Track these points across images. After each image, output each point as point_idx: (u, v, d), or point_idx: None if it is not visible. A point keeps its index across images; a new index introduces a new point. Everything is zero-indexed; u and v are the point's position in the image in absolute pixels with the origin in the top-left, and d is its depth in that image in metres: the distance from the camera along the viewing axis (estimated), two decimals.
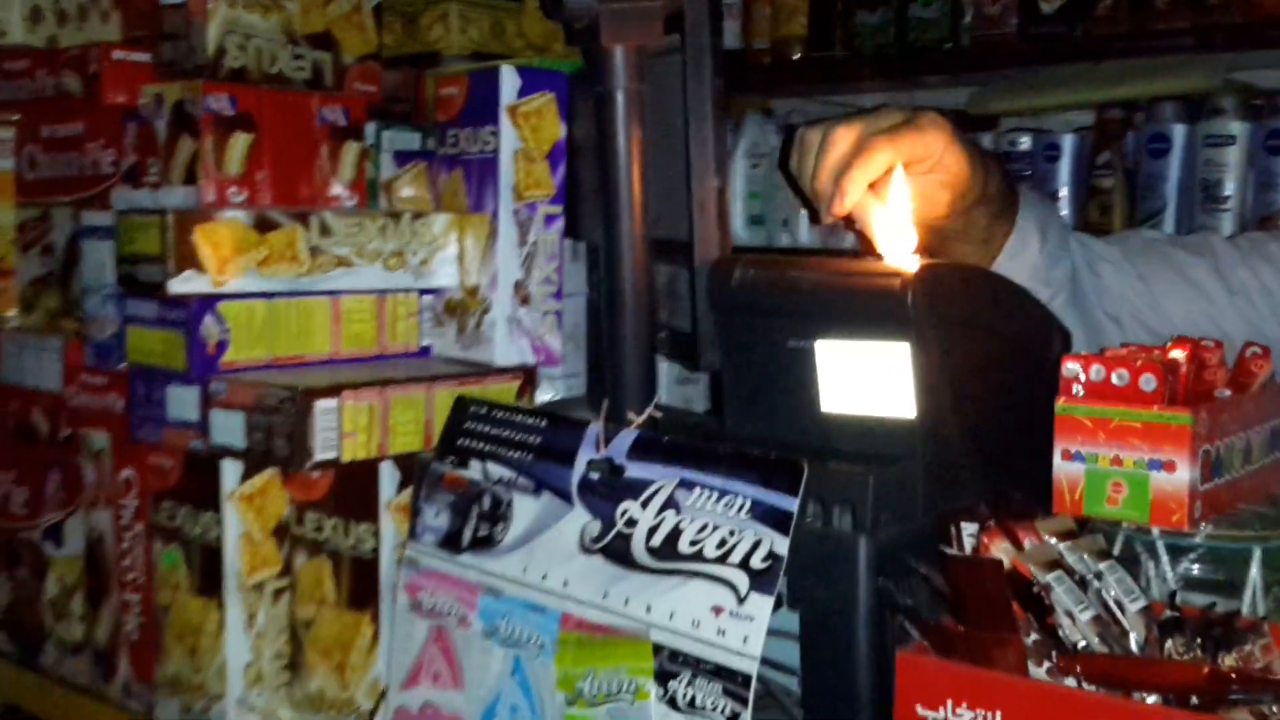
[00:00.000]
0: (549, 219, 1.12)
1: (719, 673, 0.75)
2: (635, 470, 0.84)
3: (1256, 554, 0.79)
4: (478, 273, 1.13)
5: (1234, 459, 0.81)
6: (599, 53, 0.83)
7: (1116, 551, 0.83)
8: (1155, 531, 0.81)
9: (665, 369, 1.20)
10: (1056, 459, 0.80)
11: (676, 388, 1.27)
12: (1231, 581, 0.82)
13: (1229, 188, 1.92)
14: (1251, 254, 1.15)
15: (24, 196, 1.27)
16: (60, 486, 1.21)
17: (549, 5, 0.86)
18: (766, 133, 2.57)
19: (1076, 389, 0.79)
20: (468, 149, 1.13)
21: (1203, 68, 1.93)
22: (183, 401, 1.04)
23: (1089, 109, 2.14)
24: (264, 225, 1.05)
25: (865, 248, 0.93)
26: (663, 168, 0.89)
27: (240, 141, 1.12)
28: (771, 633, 0.78)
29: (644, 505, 0.82)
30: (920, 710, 0.70)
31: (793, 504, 0.76)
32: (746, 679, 0.74)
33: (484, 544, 0.90)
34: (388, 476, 1.02)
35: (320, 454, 0.98)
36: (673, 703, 0.77)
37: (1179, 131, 1.98)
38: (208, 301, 1.03)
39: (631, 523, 0.83)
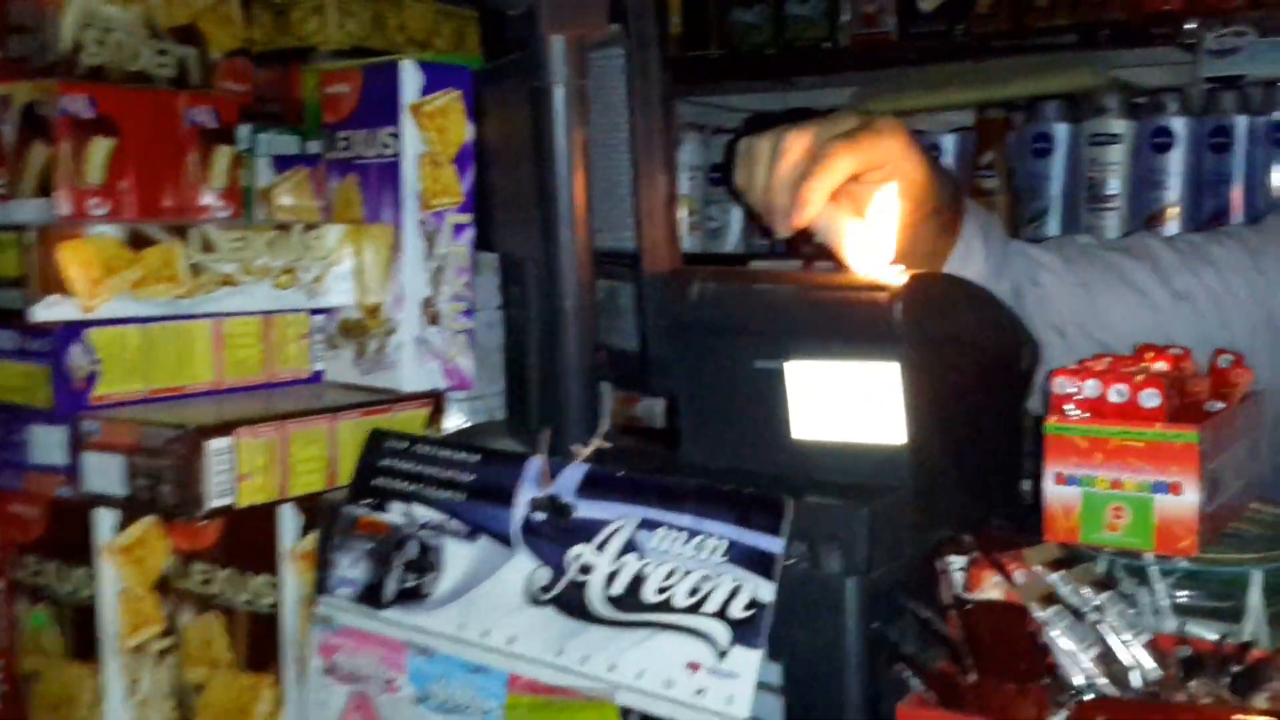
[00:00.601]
0: (458, 229, 1.02)
1: None
2: (586, 509, 0.75)
3: (1257, 577, 0.74)
4: (379, 290, 1.02)
5: (1227, 476, 0.76)
6: (537, 43, 0.74)
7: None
8: (1147, 557, 0.76)
9: None
10: (1048, 483, 0.74)
11: None
12: (1220, 608, 0.77)
13: (1113, 186, 1.92)
14: (1192, 256, 1.12)
15: None
16: None
17: None
18: None
19: (1069, 407, 0.73)
20: (363, 153, 1.02)
21: (1085, 66, 1.94)
22: (48, 443, 0.92)
23: (970, 109, 2.13)
24: (138, 241, 0.93)
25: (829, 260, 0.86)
26: (603, 171, 0.81)
27: (101, 147, 1.01)
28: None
29: (599, 549, 0.74)
30: None
31: (777, 544, 0.68)
32: None
33: (411, 597, 0.80)
34: (288, 521, 0.91)
35: (214, 501, 0.87)
36: None
37: (1062, 131, 1.98)
38: (75, 329, 0.90)
39: (586, 569, 0.74)
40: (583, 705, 0.72)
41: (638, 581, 0.72)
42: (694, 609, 0.69)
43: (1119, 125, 1.91)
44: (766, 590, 0.68)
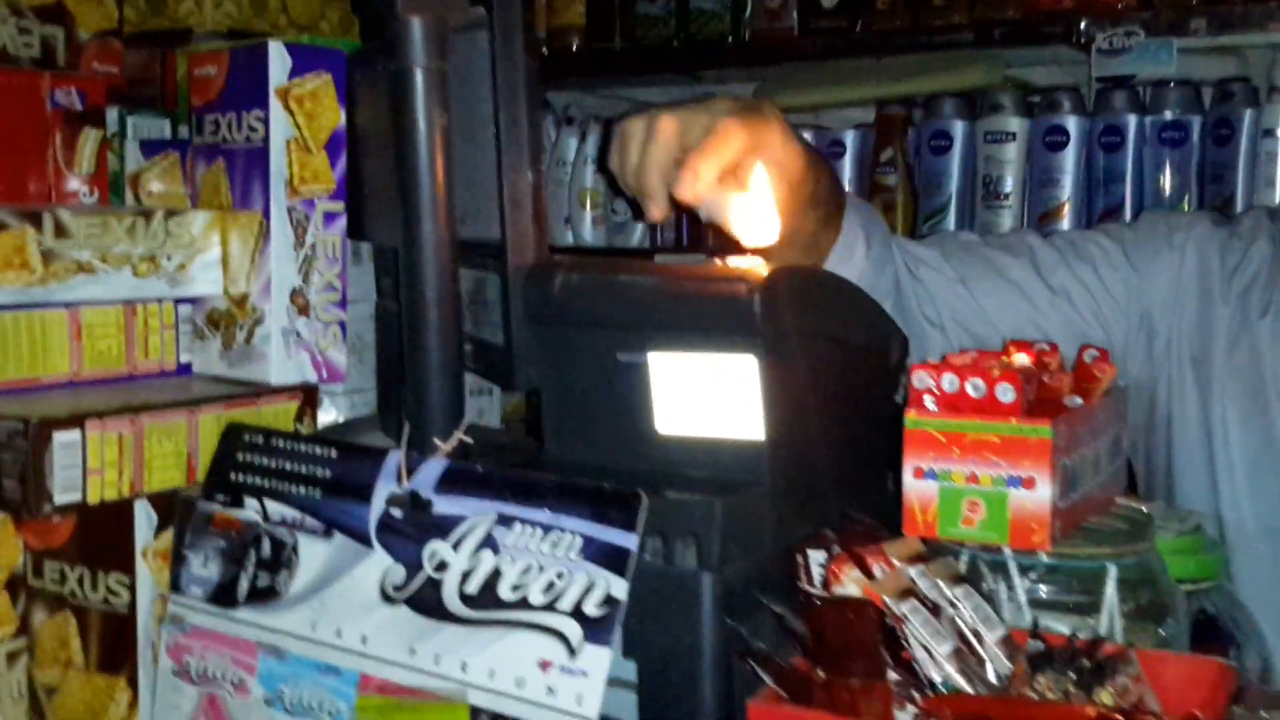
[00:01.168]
0: (329, 217, 1.00)
1: None
2: (444, 505, 0.73)
3: (1112, 571, 0.75)
4: (246, 279, 0.99)
5: (1086, 472, 0.77)
6: (395, 24, 0.71)
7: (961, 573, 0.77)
8: (1006, 551, 0.76)
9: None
10: (907, 477, 0.74)
11: (470, 399, 1.16)
12: (1080, 603, 0.78)
13: (1009, 184, 1.94)
14: (1070, 253, 1.13)
15: None
16: None
17: None
18: (545, 127, 2.47)
19: (928, 401, 0.73)
20: (230, 137, 0.99)
21: (981, 64, 1.95)
22: None
23: (871, 106, 2.14)
24: None
25: (717, 240, 0.85)
26: (468, 160, 0.79)
27: None
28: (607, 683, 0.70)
29: (456, 546, 0.72)
30: None
31: (631, 540, 0.67)
32: None
33: (264, 596, 0.78)
34: (143, 518, 0.88)
35: (61, 496, 0.83)
36: None
37: (959, 128, 2.00)
38: None
39: (442, 567, 0.72)
40: (433, 706, 0.70)
41: (493, 579, 0.70)
42: (548, 607, 0.68)
43: (1014, 123, 1.93)
44: (620, 587, 0.66)
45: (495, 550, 0.71)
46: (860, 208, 1.08)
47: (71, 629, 0.90)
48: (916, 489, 0.73)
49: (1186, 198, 1.84)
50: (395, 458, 0.76)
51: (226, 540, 0.80)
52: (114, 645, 0.89)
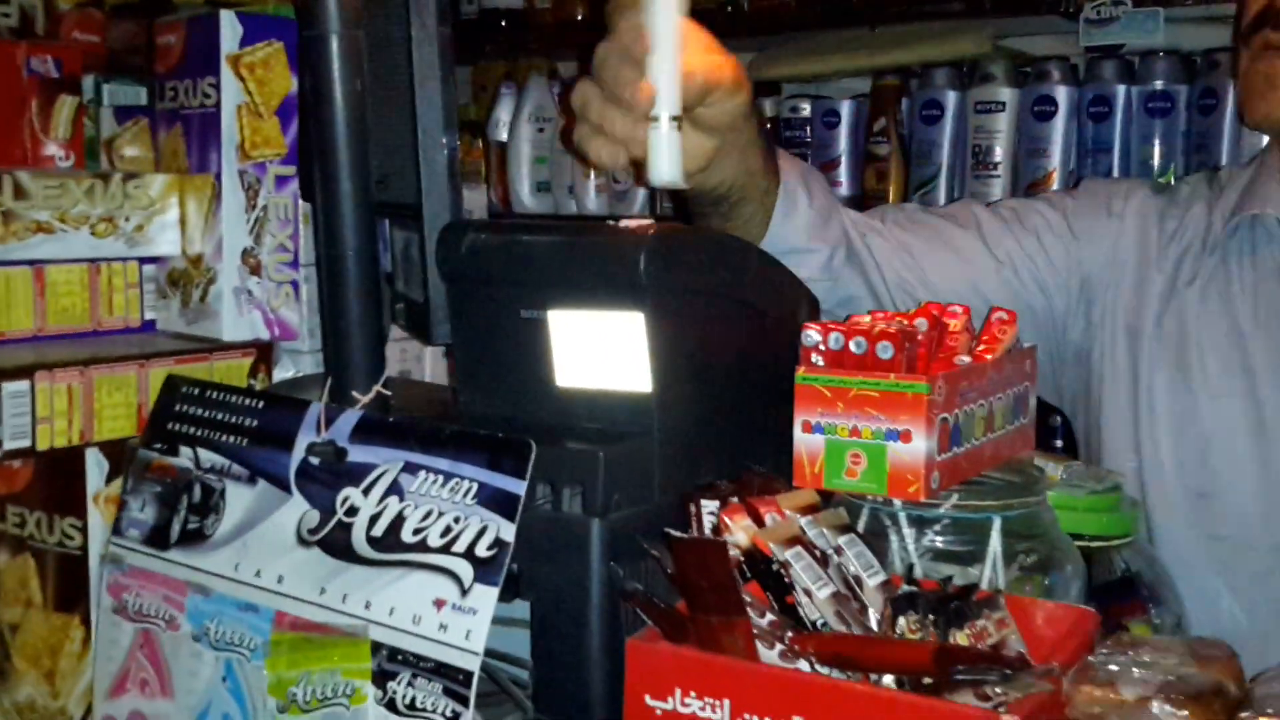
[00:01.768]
0: (281, 180, 1.04)
1: (440, 671, 0.70)
2: (358, 454, 0.77)
3: (997, 523, 0.78)
4: (201, 240, 1.03)
5: (975, 427, 0.79)
6: None
7: (862, 526, 0.80)
8: (898, 504, 0.79)
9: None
10: (797, 430, 0.76)
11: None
12: (974, 553, 0.80)
13: (999, 154, 1.95)
14: (1015, 223, 1.15)
15: None
16: None
17: None
18: (551, 95, 2.50)
19: (816, 358, 0.76)
20: (187, 103, 1.03)
21: (972, 34, 1.96)
22: None
23: (866, 76, 2.15)
24: None
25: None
26: (390, 125, 0.82)
27: None
28: (505, 622, 0.73)
29: (366, 492, 0.76)
30: (649, 701, 0.66)
31: (520, 486, 0.70)
32: (468, 677, 0.68)
33: (193, 538, 0.82)
34: (94, 465, 0.92)
35: (10, 442, 0.88)
36: (392, 705, 0.71)
37: (951, 98, 2.00)
38: None
39: (352, 511, 0.76)
40: (338, 642, 0.74)
41: (398, 523, 0.74)
42: (445, 549, 0.72)
43: (1004, 93, 1.94)
44: (509, 530, 0.70)
45: (401, 496, 0.74)
46: (794, 162, 1.09)
47: (31, 570, 0.95)
48: (805, 442, 0.76)
49: (1173, 167, 1.84)
50: (315, 409, 0.80)
51: (162, 486, 0.84)
52: (69, 586, 0.93)
